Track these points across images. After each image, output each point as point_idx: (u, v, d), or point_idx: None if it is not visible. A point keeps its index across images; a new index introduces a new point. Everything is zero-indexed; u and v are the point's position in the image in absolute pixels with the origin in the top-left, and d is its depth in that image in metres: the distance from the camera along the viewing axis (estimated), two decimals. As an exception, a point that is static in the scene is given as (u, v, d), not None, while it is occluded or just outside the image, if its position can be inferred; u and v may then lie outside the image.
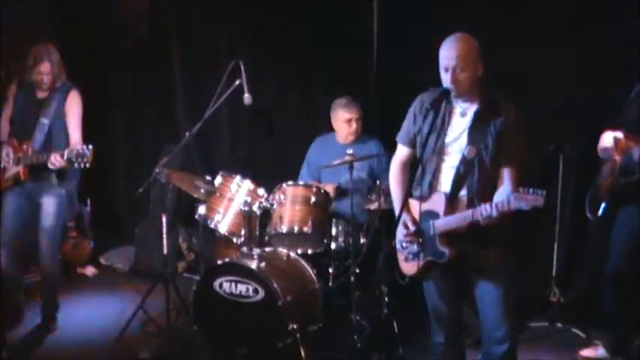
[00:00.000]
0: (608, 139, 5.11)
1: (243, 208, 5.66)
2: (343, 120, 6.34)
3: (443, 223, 4.06)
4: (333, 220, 5.91)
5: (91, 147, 5.35)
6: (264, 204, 5.72)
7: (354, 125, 6.33)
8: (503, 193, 3.93)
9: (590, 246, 6.22)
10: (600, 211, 5.14)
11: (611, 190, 5.08)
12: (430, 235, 4.11)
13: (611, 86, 5.91)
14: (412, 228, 4.15)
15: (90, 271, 7.81)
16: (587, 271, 6.33)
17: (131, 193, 6.20)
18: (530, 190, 3.72)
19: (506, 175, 4.06)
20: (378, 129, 6.66)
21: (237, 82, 5.85)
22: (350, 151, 5.84)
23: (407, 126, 4.34)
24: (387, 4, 7.04)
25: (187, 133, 5.93)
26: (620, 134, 5.03)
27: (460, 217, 4.00)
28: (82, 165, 5.36)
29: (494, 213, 3.82)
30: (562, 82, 6.24)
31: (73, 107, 5.88)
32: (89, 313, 6.56)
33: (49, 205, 5.87)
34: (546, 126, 6.34)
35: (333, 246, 5.88)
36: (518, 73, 6.23)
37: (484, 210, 3.86)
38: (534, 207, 3.70)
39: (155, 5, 8.04)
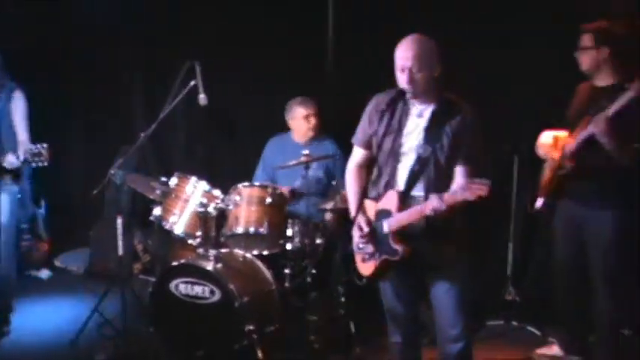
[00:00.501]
0: (546, 137, 5.25)
1: (198, 210, 5.64)
2: (301, 117, 6.36)
3: (395, 220, 4.06)
4: (289, 220, 5.90)
5: (46, 145, 5.31)
6: (220, 205, 5.70)
7: (312, 121, 6.36)
8: (455, 189, 3.96)
9: (542, 245, 6.30)
10: (538, 205, 5.21)
11: (548, 185, 5.18)
12: (384, 234, 4.11)
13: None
14: (366, 229, 4.13)
15: (44, 273, 7.73)
16: (540, 269, 6.41)
17: (86, 194, 6.14)
18: (476, 180, 3.76)
19: (459, 173, 4.08)
20: (335, 129, 6.68)
21: (193, 82, 5.83)
22: (305, 151, 5.85)
23: (362, 127, 4.33)
24: (344, 3, 7.06)
25: (142, 134, 5.90)
26: (561, 133, 5.15)
27: (411, 213, 4.00)
28: (40, 164, 5.32)
29: (443, 206, 3.84)
30: (546, 84, 6.30)
31: (18, 106, 5.84)
32: (44, 317, 6.49)
33: (3, 202, 5.82)
34: (529, 127, 6.40)
35: (289, 246, 5.88)
36: (500, 75, 6.35)
37: (432, 203, 3.88)
38: (479, 196, 3.72)
39: (111, 5, 7.97)
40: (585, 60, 5.05)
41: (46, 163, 5.32)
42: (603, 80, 5.02)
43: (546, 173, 5.23)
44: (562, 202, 5.23)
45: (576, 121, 5.03)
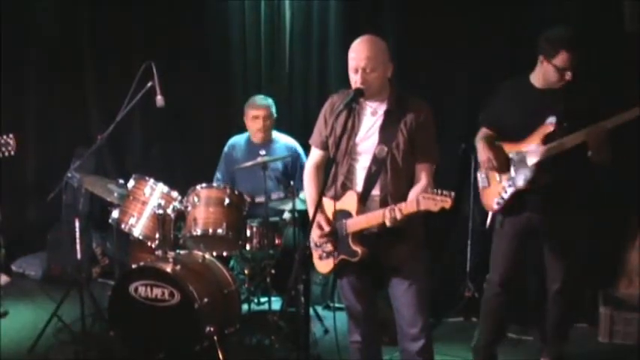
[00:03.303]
0: (485, 150, 5.01)
1: (157, 211, 5.61)
2: (251, 117, 6.36)
3: (354, 222, 4.11)
4: (248, 221, 5.90)
5: (12, 135, 5.30)
6: (178, 206, 5.68)
7: (260, 122, 6.35)
8: (418, 188, 4.03)
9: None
10: (488, 222, 5.17)
11: (509, 202, 4.96)
12: (343, 235, 4.15)
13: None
14: (326, 228, 4.17)
15: (3, 279, 7.64)
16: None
17: (42, 197, 6.08)
18: (438, 190, 3.78)
19: (420, 170, 4.14)
20: (291, 128, 6.70)
21: (150, 84, 5.80)
22: (262, 152, 5.85)
23: (318, 129, 4.37)
24: (299, 4, 7.08)
25: (99, 136, 5.85)
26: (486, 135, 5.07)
27: (370, 217, 4.05)
28: (7, 154, 5.31)
29: (404, 213, 3.88)
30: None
31: None
32: (1, 323, 6.40)
33: None
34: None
35: (248, 247, 5.88)
36: (456, 73, 6.45)
37: (392, 212, 3.92)
38: (442, 208, 3.77)
39: (66, 4, 7.91)
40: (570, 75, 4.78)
41: (12, 153, 5.31)
42: (548, 82, 4.83)
43: (487, 187, 5.07)
44: (513, 216, 5.02)
45: (521, 126, 4.87)
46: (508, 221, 5.01)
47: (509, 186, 4.86)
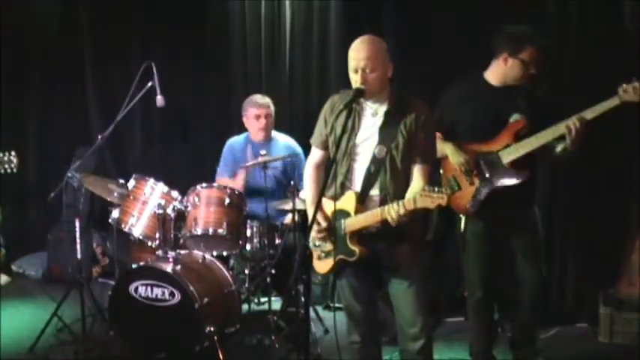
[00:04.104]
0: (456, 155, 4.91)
1: (157, 211, 5.60)
2: (252, 116, 6.35)
3: (353, 221, 4.12)
4: (248, 221, 5.90)
5: (14, 153, 5.30)
6: (179, 206, 5.67)
7: (263, 121, 6.34)
8: (414, 189, 4.03)
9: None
10: (462, 227, 5.10)
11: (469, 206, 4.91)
12: (341, 234, 4.16)
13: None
14: (323, 223, 4.19)
15: (3, 279, 7.64)
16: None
17: (43, 197, 6.08)
18: (435, 188, 3.83)
19: (416, 171, 4.14)
20: (291, 128, 6.69)
21: (150, 83, 5.80)
22: (263, 151, 5.85)
23: (319, 129, 4.37)
24: (299, 3, 7.07)
25: (100, 136, 5.85)
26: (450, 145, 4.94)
27: (369, 216, 4.06)
28: (10, 170, 5.31)
29: (402, 211, 3.90)
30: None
31: None
32: (1, 322, 6.40)
33: None
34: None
35: (248, 247, 5.88)
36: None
37: (392, 209, 3.94)
38: (439, 205, 3.82)
39: (66, 4, 7.92)
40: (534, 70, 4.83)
41: (15, 170, 5.31)
42: (509, 79, 4.84)
43: (469, 190, 4.89)
44: (486, 217, 4.95)
45: (477, 125, 4.85)
46: (482, 222, 4.96)
47: (484, 187, 4.81)
